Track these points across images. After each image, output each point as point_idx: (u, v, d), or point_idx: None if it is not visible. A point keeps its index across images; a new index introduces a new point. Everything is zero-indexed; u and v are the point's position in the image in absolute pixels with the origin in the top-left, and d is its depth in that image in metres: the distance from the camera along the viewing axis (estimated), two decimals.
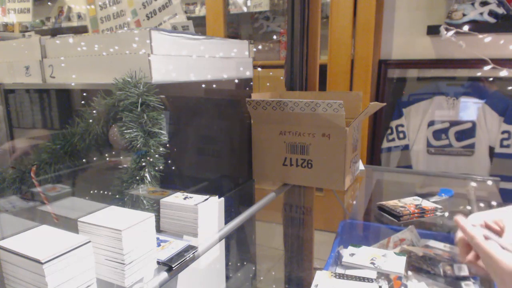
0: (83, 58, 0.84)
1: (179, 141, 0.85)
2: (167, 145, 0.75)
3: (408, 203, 1.05)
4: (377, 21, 2.16)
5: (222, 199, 0.85)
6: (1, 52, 0.98)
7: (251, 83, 1.11)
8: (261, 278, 1.61)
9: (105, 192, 0.75)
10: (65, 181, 0.82)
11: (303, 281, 1.41)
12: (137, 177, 0.70)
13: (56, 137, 0.81)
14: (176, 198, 0.72)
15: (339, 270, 0.97)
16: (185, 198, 0.72)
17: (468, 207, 1.07)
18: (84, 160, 0.82)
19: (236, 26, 2.90)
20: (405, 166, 2.18)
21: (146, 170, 0.71)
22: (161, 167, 0.73)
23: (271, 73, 2.55)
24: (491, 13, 1.88)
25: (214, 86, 0.96)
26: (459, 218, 0.58)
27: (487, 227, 0.57)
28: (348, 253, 0.97)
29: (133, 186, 0.70)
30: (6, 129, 0.98)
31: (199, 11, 2.92)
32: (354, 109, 1.15)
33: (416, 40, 2.18)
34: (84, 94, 0.84)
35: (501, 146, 1.98)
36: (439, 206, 1.04)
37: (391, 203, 1.07)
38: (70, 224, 0.60)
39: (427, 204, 1.05)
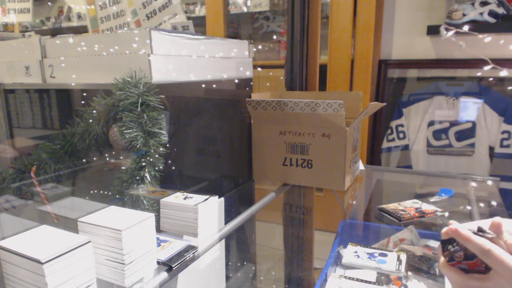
0: (83, 58, 0.84)
1: (179, 141, 0.85)
2: (167, 145, 0.75)
3: (408, 207, 1.05)
4: (377, 21, 2.16)
5: (222, 199, 0.85)
6: (1, 52, 0.98)
7: (251, 83, 1.11)
8: (261, 278, 1.61)
9: (105, 192, 0.75)
10: (65, 181, 0.82)
11: (303, 281, 1.41)
12: (137, 177, 0.70)
13: (56, 137, 0.81)
14: (176, 198, 0.72)
15: (339, 270, 0.97)
16: (185, 198, 0.72)
17: (468, 207, 1.07)
18: (84, 160, 0.82)
19: (236, 26, 2.90)
20: (405, 166, 2.18)
21: (146, 170, 0.71)
22: (161, 167, 0.73)
23: (271, 73, 2.54)
24: (491, 13, 1.88)
25: (214, 86, 0.96)
26: (458, 227, 0.56)
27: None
28: (348, 253, 0.97)
29: (133, 186, 0.70)
30: (6, 129, 0.98)
31: (199, 11, 2.92)
32: (354, 109, 1.15)
33: (416, 40, 2.18)
34: (84, 94, 0.84)
35: (501, 146, 1.98)
36: (439, 209, 1.04)
37: (391, 206, 1.06)
38: (70, 224, 0.61)
39: (427, 207, 1.05)
